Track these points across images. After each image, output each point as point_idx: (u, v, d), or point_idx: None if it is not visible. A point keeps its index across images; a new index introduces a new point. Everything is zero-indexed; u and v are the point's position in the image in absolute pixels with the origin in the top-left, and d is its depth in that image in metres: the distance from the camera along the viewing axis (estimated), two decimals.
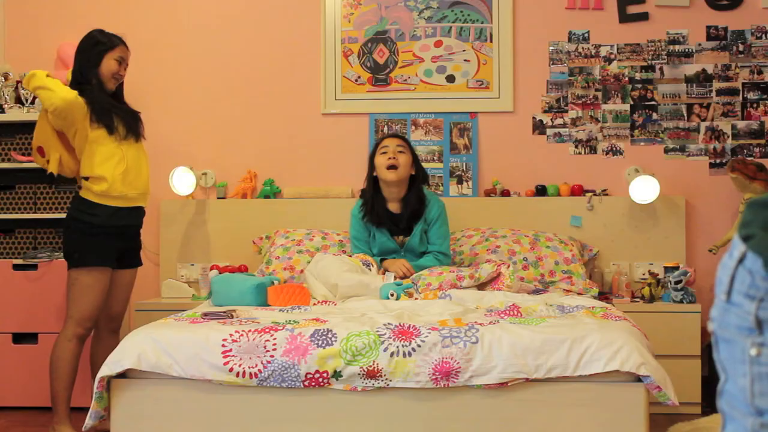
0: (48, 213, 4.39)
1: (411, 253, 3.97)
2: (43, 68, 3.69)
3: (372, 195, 3.99)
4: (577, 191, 4.56)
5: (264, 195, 4.70)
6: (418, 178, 4.00)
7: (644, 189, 4.36)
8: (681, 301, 4.12)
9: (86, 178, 3.59)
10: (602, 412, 2.73)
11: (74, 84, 3.61)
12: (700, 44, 4.59)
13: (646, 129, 4.61)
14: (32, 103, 4.44)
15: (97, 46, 3.65)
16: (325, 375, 2.75)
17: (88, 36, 3.71)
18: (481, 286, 3.65)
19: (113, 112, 3.62)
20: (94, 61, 3.64)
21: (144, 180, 3.72)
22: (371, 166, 4.00)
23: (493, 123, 4.68)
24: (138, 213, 3.75)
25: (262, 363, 2.76)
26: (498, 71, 4.67)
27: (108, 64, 3.66)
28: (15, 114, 4.44)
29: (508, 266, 3.70)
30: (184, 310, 3.45)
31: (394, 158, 3.92)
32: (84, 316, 3.57)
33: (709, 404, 4.00)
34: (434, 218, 3.96)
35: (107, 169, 3.56)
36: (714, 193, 4.55)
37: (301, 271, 4.10)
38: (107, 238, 3.61)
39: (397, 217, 3.99)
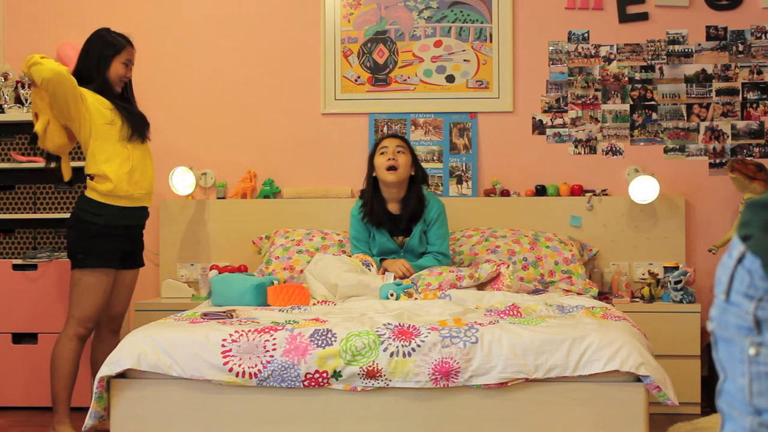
0: (48, 213, 4.40)
1: (411, 254, 3.96)
2: None
3: (371, 195, 3.98)
4: (577, 191, 4.56)
5: (264, 195, 4.70)
6: (417, 179, 4.00)
7: (644, 189, 4.36)
8: (681, 301, 4.12)
9: (91, 177, 3.57)
10: (602, 412, 2.73)
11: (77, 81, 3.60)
12: (699, 44, 4.59)
13: (645, 129, 4.61)
14: (32, 102, 4.43)
15: (105, 50, 3.62)
16: (324, 375, 2.75)
17: (96, 37, 3.66)
18: (480, 286, 3.65)
19: (118, 111, 3.61)
20: (103, 66, 3.61)
21: (149, 180, 3.71)
22: (371, 166, 4.00)
23: (492, 123, 4.68)
24: (143, 213, 3.75)
25: (261, 363, 2.76)
26: (498, 71, 4.67)
27: (116, 68, 3.64)
28: (15, 114, 4.44)
29: (508, 266, 3.70)
30: (183, 310, 3.45)
31: (393, 159, 3.91)
32: (86, 316, 3.57)
33: (708, 404, 4.00)
34: (434, 219, 3.96)
35: (111, 168, 3.54)
36: (714, 193, 4.55)
37: (301, 271, 4.10)
38: (112, 239, 3.61)
39: (396, 218, 3.98)
